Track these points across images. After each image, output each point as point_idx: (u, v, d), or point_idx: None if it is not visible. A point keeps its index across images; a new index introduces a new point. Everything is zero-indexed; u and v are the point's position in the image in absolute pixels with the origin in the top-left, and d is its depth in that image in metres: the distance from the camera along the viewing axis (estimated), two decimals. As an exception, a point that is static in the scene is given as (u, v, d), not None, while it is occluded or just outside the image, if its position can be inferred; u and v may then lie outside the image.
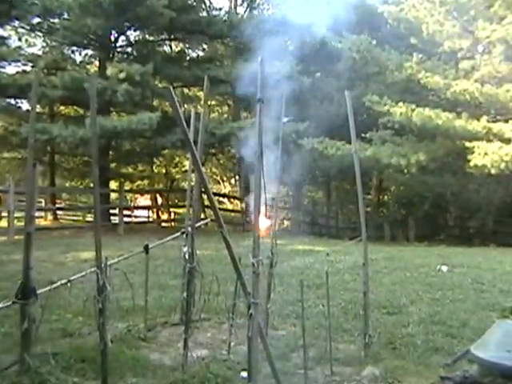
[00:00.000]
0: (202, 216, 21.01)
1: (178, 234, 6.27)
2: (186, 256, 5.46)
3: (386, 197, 31.92)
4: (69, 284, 4.82)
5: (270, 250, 5.61)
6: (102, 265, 4.05)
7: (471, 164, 18.07)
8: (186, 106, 28.13)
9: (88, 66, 23.39)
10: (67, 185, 32.87)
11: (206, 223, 9.57)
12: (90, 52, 23.29)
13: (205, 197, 15.13)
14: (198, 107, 24.38)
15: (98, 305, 3.99)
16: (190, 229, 5.40)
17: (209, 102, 28.43)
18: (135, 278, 8.13)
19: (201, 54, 26.60)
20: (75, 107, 25.75)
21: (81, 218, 27.23)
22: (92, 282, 4.21)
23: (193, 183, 5.67)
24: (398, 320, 6.90)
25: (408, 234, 24.17)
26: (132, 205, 32.62)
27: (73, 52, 22.97)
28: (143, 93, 17.85)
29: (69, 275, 5.07)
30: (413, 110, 18.55)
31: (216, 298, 6.60)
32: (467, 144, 18.28)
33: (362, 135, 19.64)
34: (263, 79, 3.59)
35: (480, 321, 6.83)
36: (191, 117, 5.99)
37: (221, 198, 33.45)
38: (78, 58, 23.33)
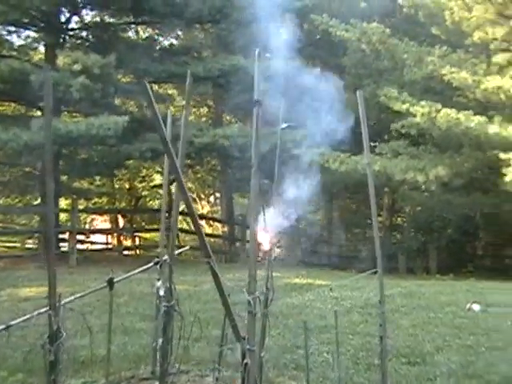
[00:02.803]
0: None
1: (151, 264, 6.18)
2: (160, 292, 5.41)
3: (399, 219, 32.03)
4: (6, 331, 4.66)
5: (265, 284, 5.57)
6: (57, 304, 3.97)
7: (507, 179, 17.90)
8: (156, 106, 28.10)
9: (31, 53, 23.05)
10: (0, 202, 32.20)
11: (180, 252, 9.53)
12: (32, 34, 22.77)
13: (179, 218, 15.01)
14: (171, 108, 24.42)
15: (49, 356, 3.89)
16: (165, 258, 5.36)
17: (184, 103, 28.47)
18: (92, 320, 8.10)
19: (174, 42, 26.70)
20: (13, 104, 25.31)
21: (19, 245, 26.94)
22: (38, 326, 4.12)
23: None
24: (421, 372, 6.86)
25: (428, 265, 24.24)
26: (87, 228, 32.44)
27: (9, 33, 21.85)
28: (104, 89, 17.58)
29: (5, 319, 4.95)
30: (438, 111, 18.43)
31: (196, 345, 6.55)
32: (502, 155, 18.05)
33: (371, 145, 19.64)
34: (260, 77, 3.59)
35: (527, 375, 6.77)
36: (167, 121, 5.97)
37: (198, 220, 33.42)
38: (17, 42, 22.78)
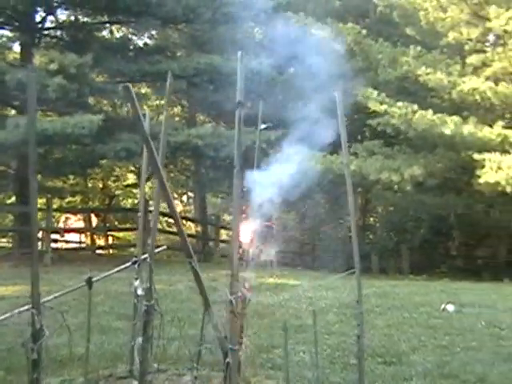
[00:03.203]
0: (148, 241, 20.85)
1: (129, 263, 6.17)
2: (138, 291, 5.42)
3: (372, 219, 32.14)
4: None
5: (243, 283, 5.59)
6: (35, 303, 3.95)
7: (481, 181, 18.08)
8: (129, 105, 27.98)
9: (5, 52, 22.96)
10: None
11: (158, 251, 9.51)
12: (7, 33, 22.75)
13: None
14: (145, 108, 24.36)
15: (31, 355, 3.89)
16: (144, 257, 5.38)
17: (157, 102, 28.42)
18: (69, 319, 8.04)
19: (148, 42, 26.63)
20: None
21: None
22: (15, 325, 4.11)
23: (151, 201, 5.63)
24: (397, 372, 6.88)
25: (401, 266, 24.33)
26: (61, 227, 32.24)
27: None
28: (80, 89, 17.50)
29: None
30: (414, 113, 18.63)
31: (172, 344, 6.56)
32: (476, 156, 18.27)
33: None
34: (243, 78, 3.62)
35: (502, 375, 6.81)
36: (146, 120, 5.96)
37: (170, 219, 33.41)
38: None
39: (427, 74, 19.08)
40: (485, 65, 19.85)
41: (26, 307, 4.10)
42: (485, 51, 20.45)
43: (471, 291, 14.19)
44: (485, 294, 13.66)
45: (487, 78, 19.11)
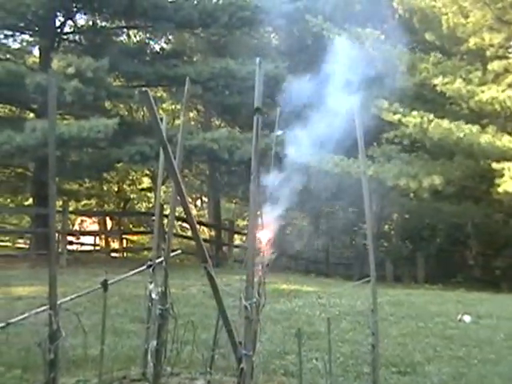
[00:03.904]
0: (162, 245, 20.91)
1: (144, 267, 6.23)
2: (153, 295, 5.46)
3: (386, 227, 31.96)
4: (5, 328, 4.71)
5: (258, 289, 5.62)
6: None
7: (499, 190, 17.85)
8: (145, 108, 28.16)
9: (25, 56, 23.27)
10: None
11: (173, 255, 9.55)
12: (27, 38, 23.11)
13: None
14: (161, 112, 24.50)
15: (49, 355, 3.95)
16: (159, 261, 5.43)
17: (174, 106, 28.52)
18: (83, 320, 8.11)
19: (165, 46, 26.77)
20: (8, 106, 25.52)
21: (10, 244, 26.95)
22: (32, 325, 4.17)
23: (166, 204, 5.67)
24: (412, 382, 6.82)
25: (416, 274, 24.21)
26: (77, 229, 32.47)
27: (6, 37, 22.53)
28: (96, 93, 17.66)
29: (1, 317, 4.99)
30: (430, 122, 18.47)
31: (185, 348, 6.60)
32: (494, 165, 18.03)
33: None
34: (261, 85, 3.64)
35: (522, 391, 6.69)
36: (162, 124, 6.01)
37: (184, 224, 33.51)
38: (13, 45, 23.13)
39: (445, 83, 18.82)
40: (507, 71, 19.47)
41: (43, 308, 4.16)
42: (507, 57, 20.08)
43: (489, 302, 13.93)
44: (503, 305, 13.40)
45: (509, 85, 18.79)
